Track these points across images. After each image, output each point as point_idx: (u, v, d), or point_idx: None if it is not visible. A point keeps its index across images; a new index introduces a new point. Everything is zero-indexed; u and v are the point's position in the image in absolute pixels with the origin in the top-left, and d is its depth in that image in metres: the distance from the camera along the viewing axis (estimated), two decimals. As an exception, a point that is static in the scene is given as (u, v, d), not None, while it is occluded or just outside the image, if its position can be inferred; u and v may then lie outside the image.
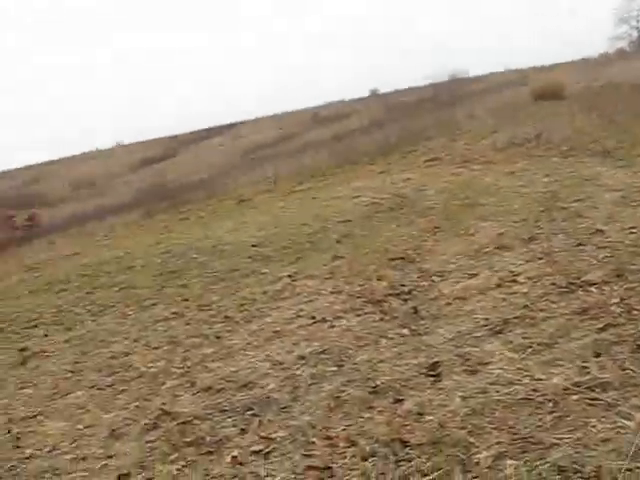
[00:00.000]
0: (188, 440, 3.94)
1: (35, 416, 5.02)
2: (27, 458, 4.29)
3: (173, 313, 6.82)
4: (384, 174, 12.00)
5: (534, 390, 3.54)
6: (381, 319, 5.21)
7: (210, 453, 3.72)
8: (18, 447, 4.49)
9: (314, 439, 3.60)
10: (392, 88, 38.28)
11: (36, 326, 7.75)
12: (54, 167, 48.22)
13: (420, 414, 3.60)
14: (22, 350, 6.84)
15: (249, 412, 4.13)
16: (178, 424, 4.20)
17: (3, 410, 5.33)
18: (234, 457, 3.58)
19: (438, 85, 29.80)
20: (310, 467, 3.32)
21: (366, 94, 41.20)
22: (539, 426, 3.21)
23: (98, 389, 5.28)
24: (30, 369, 6.25)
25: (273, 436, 3.73)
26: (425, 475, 3.06)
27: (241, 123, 43.16)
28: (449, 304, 5.19)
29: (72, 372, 5.86)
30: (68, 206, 27.85)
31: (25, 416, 5.06)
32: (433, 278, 5.91)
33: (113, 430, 4.37)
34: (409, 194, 9.57)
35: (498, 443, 3.15)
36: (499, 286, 5.34)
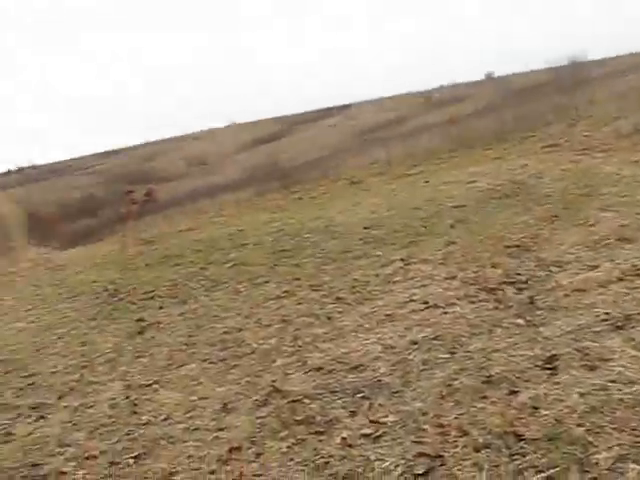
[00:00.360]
0: (298, 418, 3.98)
1: (151, 385, 5.20)
2: (144, 424, 4.45)
3: (285, 292, 6.90)
4: (500, 160, 11.72)
5: (658, 391, 3.38)
6: (495, 307, 5.11)
7: (320, 433, 3.75)
8: (135, 413, 4.67)
9: (425, 426, 3.56)
10: (509, 72, 37.27)
11: (152, 298, 8.01)
12: (168, 145, 49.58)
13: (535, 408, 3.51)
14: (139, 321, 7.09)
15: (359, 394, 4.14)
16: (288, 402, 4.26)
17: (121, 377, 5.54)
18: (344, 439, 3.60)
19: (557, 69, 28.81)
20: (421, 454, 3.29)
21: (481, 77, 40.32)
22: (664, 429, 3.07)
23: (211, 363, 5.41)
24: (146, 339, 6.47)
25: (383, 420, 3.72)
26: (540, 471, 2.98)
27: (354, 105, 43.11)
28: (567, 296, 5.02)
29: (186, 345, 6.02)
30: (182, 183, 28.61)
31: (142, 384, 5.25)
32: (551, 268, 5.74)
33: (225, 404, 4.47)
34: (526, 181, 9.31)
35: (619, 445, 3.03)
36: (621, 280, 5.12)
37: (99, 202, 29.55)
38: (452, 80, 40.83)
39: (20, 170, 57.88)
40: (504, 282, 5.61)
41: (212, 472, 3.60)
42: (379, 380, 4.26)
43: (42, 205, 30.25)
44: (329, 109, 43.46)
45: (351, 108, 41.41)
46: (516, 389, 3.76)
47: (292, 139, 35.25)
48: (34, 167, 56.64)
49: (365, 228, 8.77)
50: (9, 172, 57.85)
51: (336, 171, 15.95)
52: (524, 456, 3.12)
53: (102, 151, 57.40)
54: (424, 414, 3.69)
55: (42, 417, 5.00)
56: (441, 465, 3.19)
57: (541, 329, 4.52)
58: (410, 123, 26.80)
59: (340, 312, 5.88)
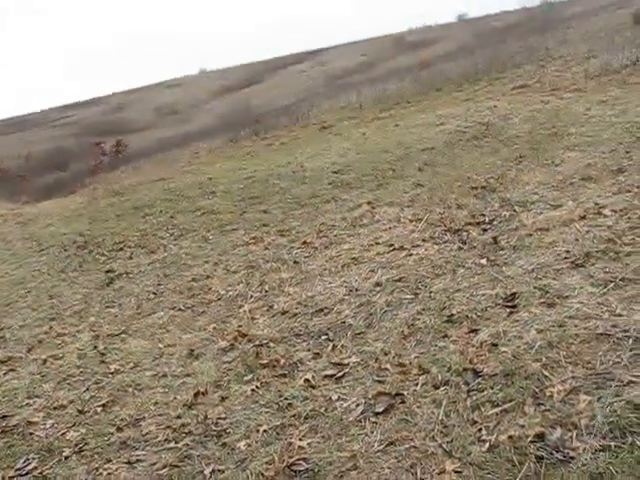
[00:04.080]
0: (263, 362, 4.03)
1: (119, 334, 5.22)
2: (112, 373, 4.48)
3: (253, 238, 6.91)
4: (469, 101, 11.70)
5: (614, 326, 3.44)
6: (459, 248, 5.15)
7: (284, 376, 3.80)
8: (103, 362, 4.70)
9: (387, 366, 3.62)
10: (481, 13, 36.98)
11: (122, 249, 7.99)
12: (138, 95, 48.89)
13: (494, 345, 3.57)
14: (108, 272, 7.08)
15: (323, 337, 4.19)
16: (254, 346, 4.30)
17: (90, 328, 5.56)
18: (307, 380, 3.65)
19: (530, 10, 28.61)
20: (381, 393, 3.35)
21: (453, 19, 39.98)
22: (616, 363, 3.13)
23: (179, 310, 5.44)
24: (115, 290, 6.47)
25: (346, 361, 3.78)
26: (496, 406, 3.05)
27: (324, 49, 42.65)
28: (530, 235, 5.07)
29: (154, 294, 6.04)
30: (152, 133, 28.30)
31: (110, 334, 5.27)
32: (515, 208, 5.78)
33: (192, 350, 4.51)
34: (494, 122, 9.30)
35: (573, 377, 3.10)
36: (583, 218, 5.17)
37: (69, 154, 29.20)
38: (423, 23, 40.42)
39: (-13, 124, 56.90)
40: (469, 223, 5.65)
41: (178, 417, 3.65)
42: (343, 322, 4.31)
43: (10, 159, 29.82)
44: (299, 54, 42.99)
45: (321, 53, 40.97)
46: (476, 327, 3.82)
47: (263, 86, 34.91)
48: (0, 121, 55.64)
49: (334, 172, 8.77)
50: (-24, 126, 56.82)
51: (306, 116, 15.84)
52: (482, 392, 3.19)
53: (71, 102, 56.44)
54: (386, 354, 3.75)
55: (11, 370, 5.01)
56: (401, 403, 3.25)
57: (503, 268, 4.57)
58: (380, 67, 26.59)
59: (307, 257, 5.91)
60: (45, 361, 4.98)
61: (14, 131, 46.21)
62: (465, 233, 5.44)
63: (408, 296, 4.47)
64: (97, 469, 3.36)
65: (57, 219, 11.30)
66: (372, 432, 3.10)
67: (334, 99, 18.70)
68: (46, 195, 17.54)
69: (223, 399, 3.72)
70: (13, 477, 3.47)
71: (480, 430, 2.94)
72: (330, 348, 4.00)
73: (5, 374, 4.95)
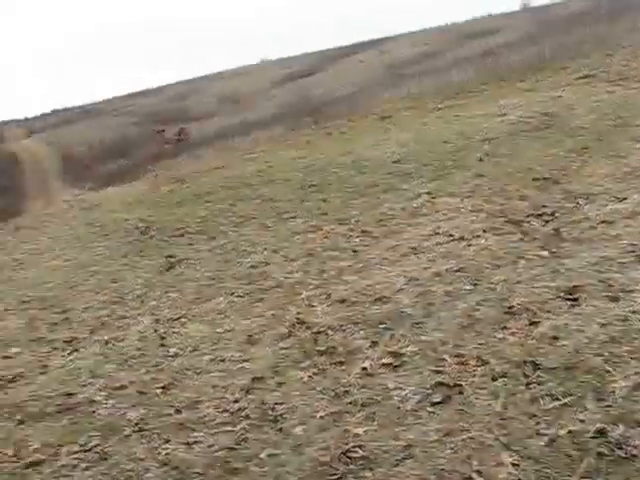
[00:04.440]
0: (320, 349, 4.04)
1: (179, 318, 5.30)
2: (171, 356, 4.55)
3: (312, 226, 6.93)
4: (532, 92, 11.48)
5: (680, 318, 3.36)
6: (520, 239, 5.09)
7: (341, 363, 3.81)
8: (163, 345, 4.77)
9: (445, 356, 3.60)
10: (547, 1, 36.21)
11: (182, 235, 8.10)
12: (200, 84, 49.33)
13: (555, 338, 3.52)
14: (169, 257, 7.19)
15: (381, 326, 4.18)
16: (312, 333, 4.32)
17: (151, 311, 5.65)
18: (364, 368, 3.65)
19: (597, -3, 27.90)
20: (439, 383, 3.34)
21: (517, 8, 39.21)
22: (683, 358, 3.06)
23: (237, 296, 5.49)
24: (175, 275, 6.57)
25: (404, 351, 3.76)
26: (556, 399, 3.01)
27: (386, 39, 42.35)
28: (593, 228, 4.98)
29: (214, 279, 6.11)
30: (214, 121, 28.55)
31: (170, 318, 5.36)
32: (578, 200, 5.68)
33: (250, 336, 4.55)
34: (558, 113, 9.13)
35: (636, 373, 3.03)
36: (649, 211, 5.05)
37: (132, 142, 29.63)
38: (486, 12, 39.78)
39: (54, 113, 58.22)
40: (530, 214, 5.57)
41: (236, 401, 3.68)
42: (401, 311, 4.29)
43: (76, 147, 30.47)
44: (361, 44, 42.76)
45: (383, 43, 40.68)
46: (537, 320, 3.77)
47: (324, 75, 34.87)
48: (67, 109, 56.83)
49: (394, 162, 8.72)
50: (43, 115, 58.19)
51: (366, 106, 15.77)
52: (541, 385, 3.14)
53: (135, 91, 57.31)
54: (444, 344, 3.73)
55: (75, 350, 5.14)
56: (459, 394, 3.22)
57: (565, 261, 4.50)
58: (442, 57, 26.28)
59: (366, 245, 5.91)
60: (107, 342, 5.09)
61: (80, 119, 47.16)
62: (526, 224, 5.37)
63: (467, 287, 4.43)
64: (156, 449, 3.42)
65: (120, 205, 11.51)
66: (429, 422, 3.09)
67: (395, 89, 18.57)
68: (109, 182, 17.86)
69: (280, 385, 3.75)
70: (77, 452, 3.55)
71: (539, 424, 2.90)
72: (388, 337, 3.99)
73: (69, 354, 5.07)
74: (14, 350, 5.41)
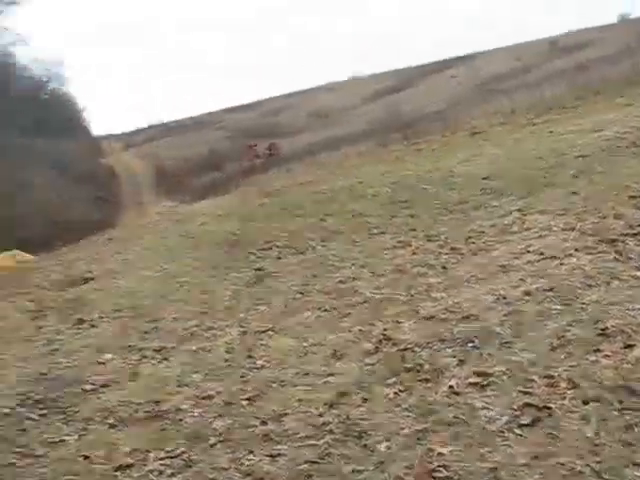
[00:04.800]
0: (407, 366, 4.00)
1: (266, 331, 5.34)
2: (258, 368, 4.59)
3: (400, 242, 6.89)
4: (629, 107, 11.14)
5: None
6: (615, 259, 4.92)
7: (427, 381, 3.76)
8: (250, 357, 4.82)
9: (534, 377, 3.51)
10: (646, 13, 35.09)
11: (271, 248, 8.17)
12: (292, 99, 49.94)
13: (652, 362, 3.39)
14: (257, 270, 7.26)
15: (469, 344, 4.11)
16: (398, 350, 4.28)
17: (239, 323, 5.72)
18: (451, 387, 3.60)
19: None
20: (527, 404, 3.26)
21: (613, 20, 38.14)
22: None
23: (325, 311, 5.50)
24: (264, 288, 6.63)
25: (491, 370, 3.69)
26: (653, 426, 2.89)
27: (476, 54, 41.98)
28: (693, 248, 4.79)
29: (301, 293, 6.14)
30: (304, 136, 28.84)
31: (258, 330, 5.40)
32: (677, 220, 5.47)
33: (336, 350, 4.54)
34: (657, 129, 8.84)
35: None
36: None
37: (225, 156, 30.26)
38: (581, 25, 38.86)
39: (149, 127, 60.00)
40: (626, 233, 5.39)
41: (320, 415, 3.68)
42: (490, 330, 4.21)
43: (170, 160, 31.24)
44: (451, 60, 42.53)
45: (474, 58, 40.32)
46: (632, 343, 3.64)
47: (413, 91, 34.83)
48: (162, 124, 58.46)
49: (484, 179, 8.60)
50: (139, 130, 60.07)
51: (457, 122, 15.67)
52: (636, 411, 3.03)
53: (229, 106, 58.50)
54: (533, 365, 3.64)
55: (164, 359, 5.24)
56: (548, 416, 3.14)
57: (663, 282, 4.33)
58: (535, 71, 25.89)
59: (455, 262, 5.84)
60: (195, 352, 5.17)
61: (174, 134, 48.37)
62: (621, 244, 5.20)
63: (559, 306, 4.32)
64: (240, 459, 3.45)
65: (211, 218, 11.72)
66: (516, 444, 3.02)
67: (486, 105, 18.40)
68: (201, 195, 18.28)
69: (365, 400, 3.73)
70: (164, 458, 3.62)
71: (634, 452, 2.79)
72: (476, 356, 3.92)
73: (159, 362, 5.18)
74: (107, 356, 5.57)
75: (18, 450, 4.12)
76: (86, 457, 3.79)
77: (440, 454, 3.05)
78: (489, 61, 36.91)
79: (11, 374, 5.63)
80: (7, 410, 4.78)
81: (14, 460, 4.00)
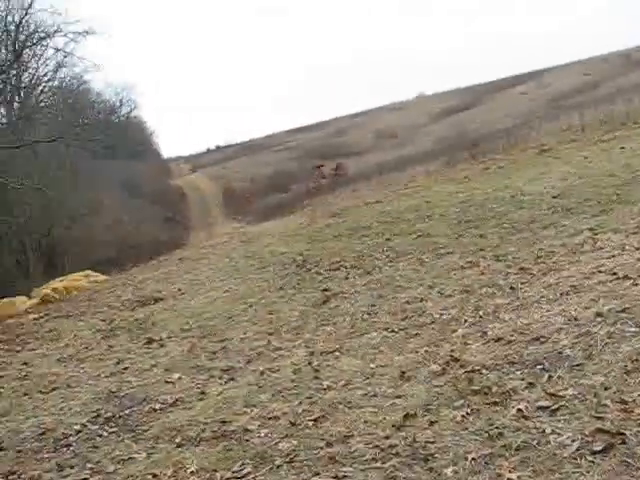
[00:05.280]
0: (475, 389, 3.93)
1: (333, 352, 5.33)
2: (324, 389, 4.57)
3: (468, 262, 6.82)
4: None
5: None
6: (692, 280, 4.76)
7: (495, 404, 3.68)
8: (317, 378, 4.81)
9: (607, 402, 3.39)
10: None
11: (338, 269, 8.19)
12: (358, 119, 50.05)
13: None
14: (324, 290, 7.28)
15: (539, 367, 4.01)
16: (466, 372, 4.21)
17: (305, 344, 5.73)
18: (519, 410, 3.51)
19: None
20: (600, 430, 3.15)
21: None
22: None
23: (391, 331, 5.46)
24: (330, 308, 6.63)
25: (562, 394, 3.59)
26: None
27: (545, 70, 41.41)
28: None
29: (368, 314, 6.12)
30: (370, 156, 28.84)
31: (324, 351, 5.40)
32: None
33: (403, 372, 4.50)
34: None
35: None
36: None
37: (291, 177, 30.50)
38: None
39: (217, 149, 61.11)
40: None
41: (386, 437, 3.64)
42: (560, 352, 4.11)
43: (237, 181, 31.62)
44: (520, 76, 42.06)
45: (542, 74, 39.78)
46: None
47: (481, 108, 34.54)
48: (229, 145, 59.45)
49: (554, 197, 8.47)
50: (207, 151, 61.26)
51: (525, 140, 15.46)
52: None
53: (294, 127, 59.08)
54: (606, 389, 3.52)
55: (232, 379, 5.28)
56: (621, 443, 3.03)
57: None
58: (606, 86, 25.36)
59: (524, 283, 5.73)
60: (262, 373, 5.19)
61: (241, 155, 49.00)
62: (699, 264, 5.03)
63: (632, 329, 4.18)
64: (305, 481, 3.44)
65: (277, 238, 11.82)
66: (588, 472, 2.91)
67: (555, 121, 18.10)
68: (268, 215, 18.43)
69: (432, 423, 3.67)
70: (230, 478, 3.63)
71: None
72: (545, 379, 3.82)
73: (226, 382, 5.21)
74: (175, 376, 5.64)
75: (90, 466, 4.20)
76: (154, 475, 3.83)
77: (509, 480, 2.97)
78: (559, 76, 36.35)
79: (83, 392, 5.77)
80: (78, 427, 4.90)
81: (86, 476, 4.08)
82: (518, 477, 2.96)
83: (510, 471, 3.01)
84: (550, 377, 3.82)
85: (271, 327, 6.47)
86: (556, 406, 3.46)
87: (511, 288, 5.70)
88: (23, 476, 4.21)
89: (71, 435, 4.80)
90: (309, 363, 5.17)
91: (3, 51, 22.99)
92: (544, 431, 3.26)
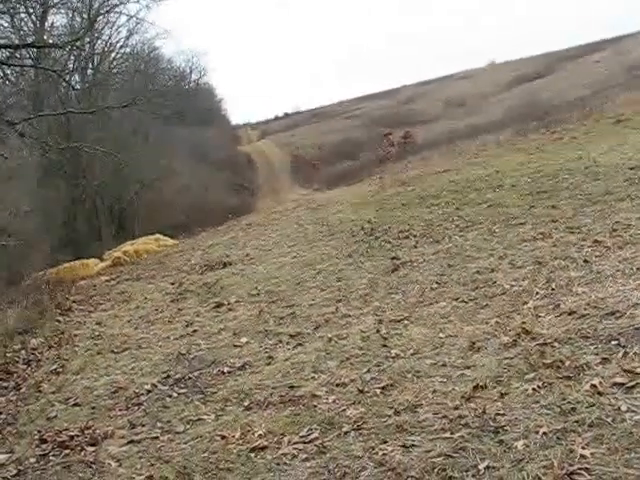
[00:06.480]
0: (547, 362, 3.86)
1: (401, 320, 5.31)
2: (392, 358, 4.57)
3: (540, 233, 6.68)
4: None
5: None
6: None
7: (568, 378, 3.61)
8: (385, 346, 4.81)
9: (686, 380, 3.30)
10: None
11: (407, 237, 8.13)
12: (427, 87, 49.40)
13: None
14: (393, 259, 7.24)
15: (613, 342, 3.92)
16: (538, 345, 4.14)
17: (374, 312, 5.72)
18: (593, 386, 3.43)
19: None
20: (679, 409, 3.07)
21: None
22: None
23: (461, 302, 5.41)
24: (399, 277, 6.60)
25: (639, 370, 3.50)
26: None
27: (624, 37, 40.01)
28: None
29: (438, 283, 6.07)
30: (439, 124, 28.48)
31: (393, 319, 5.38)
32: None
33: (473, 342, 4.45)
34: None
35: None
36: None
37: (359, 144, 30.37)
38: None
39: (285, 116, 61.25)
40: None
41: (455, 408, 3.62)
42: (637, 328, 4.00)
43: (305, 148, 31.66)
44: (596, 44, 40.75)
45: (620, 41, 38.46)
46: None
47: (554, 77, 33.69)
48: (298, 112, 59.50)
49: (630, 169, 8.23)
50: (275, 118, 61.47)
51: (600, 109, 15.02)
52: None
53: (363, 95, 58.70)
54: (686, 367, 3.42)
55: (299, 344, 5.32)
56: (703, 423, 2.94)
57: None
58: (690, 55, 24.41)
59: (598, 256, 5.59)
60: (330, 339, 5.21)
61: (310, 122, 48.98)
62: None
63: None
64: (373, 448, 3.44)
65: (346, 206, 11.80)
66: (667, 451, 2.84)
67: (632, 91, 17.51)
68: (335, 183, 18.39)
69: (502, 395, 3.63)
70: (297, 442, 3.67)
71: None
72: (621, 354, 3.73)
73: (294, 347, 5.26)
74: (243, 340, 5.72)
75: (160, 425, 4.30)
76: (223, 437, 3.90)
77: (582, 456, 2.91)
78: (636, 44, 35.11)
79: (153, 353, 5.89)
80: (149, 386, 5.02)
81: (157, 434, 4.18)
82: (592, 454, 2.90)
83: (583, 447, 2.95)
84: (626, 353, 3.72)
85: (339, 294, 6.48)
86: (632, 383, 3.37)
87: (585, 261, 5.57)
88: (97, 432, 4.33)
89: (142, 394, 4.92)
90: (377, 331, 5.17)
91: (78, 19, 23.36)
92: (619, 408, 3.18)
